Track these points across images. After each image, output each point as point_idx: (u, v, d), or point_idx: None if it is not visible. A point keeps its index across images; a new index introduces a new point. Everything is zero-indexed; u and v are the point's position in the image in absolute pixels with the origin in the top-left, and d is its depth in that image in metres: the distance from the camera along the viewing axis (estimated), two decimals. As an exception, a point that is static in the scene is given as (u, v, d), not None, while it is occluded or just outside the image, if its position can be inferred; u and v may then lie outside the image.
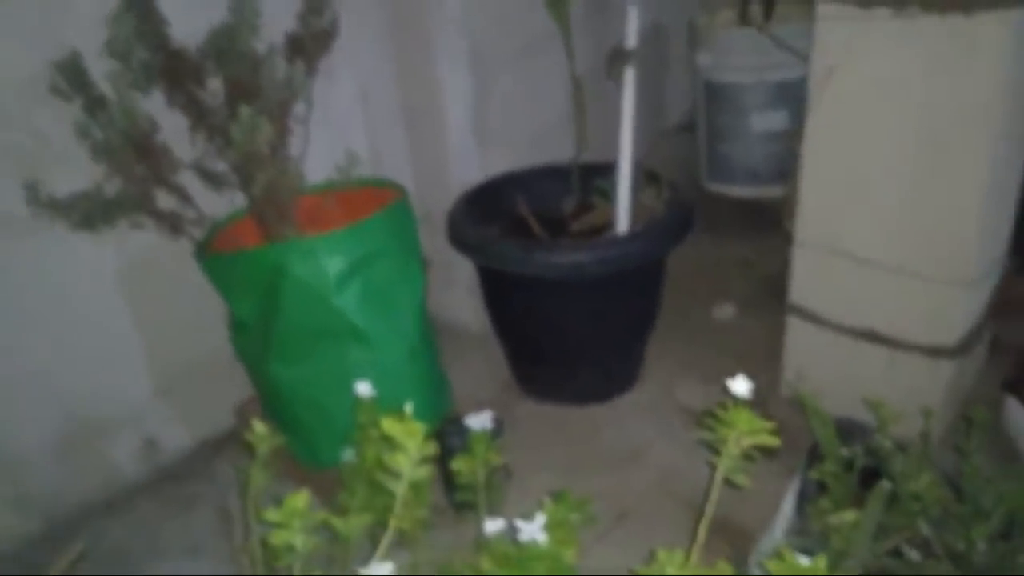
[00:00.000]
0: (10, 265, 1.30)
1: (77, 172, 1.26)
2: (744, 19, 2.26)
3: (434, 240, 1.69)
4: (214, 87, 1.29)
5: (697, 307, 1.94)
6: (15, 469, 1.39)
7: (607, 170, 1.62)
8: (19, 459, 1.39)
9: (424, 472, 0.72)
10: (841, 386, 1.33)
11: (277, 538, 0.71)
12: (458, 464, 0.91)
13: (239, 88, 1.25)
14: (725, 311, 1.93)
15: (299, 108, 1.34)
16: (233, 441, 1.60)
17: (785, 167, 2.16)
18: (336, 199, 1.49)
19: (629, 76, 1.53)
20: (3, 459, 1.37)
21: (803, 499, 1.07)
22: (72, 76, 1.22)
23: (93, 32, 1.23)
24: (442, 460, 1.18)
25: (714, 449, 0.79)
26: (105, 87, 1.23)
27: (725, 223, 2.29)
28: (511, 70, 1.80)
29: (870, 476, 0.98)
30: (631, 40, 1.52)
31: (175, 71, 1.24)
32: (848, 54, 1.28)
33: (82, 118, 1.22)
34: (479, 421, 0.96)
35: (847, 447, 1.02)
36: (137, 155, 1.21)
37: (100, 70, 1.23)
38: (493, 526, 0.81)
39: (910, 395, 1.23)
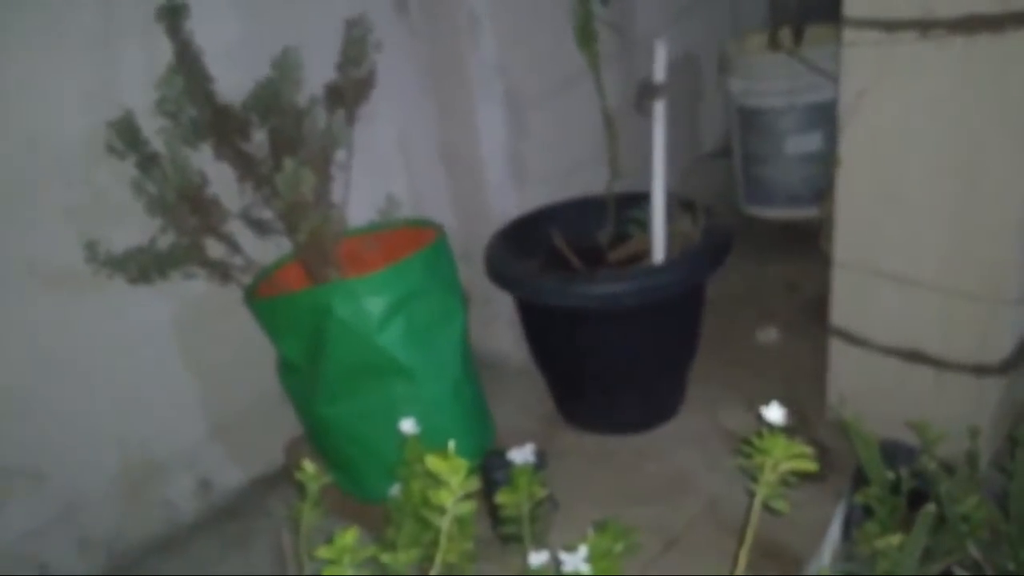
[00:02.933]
0: (72, 318, 1.37)
1: (133, 226, 1.32)
2: (774, 44, 2.28)
3: (474, 275, 1.72)
4: (259, 139, 1.35)
5: (740, 331, 1.93)
6: (79, 511, 1.44)
7: (642, 200, 1.64)
8: (83, 501, 1.44)
9: (467, 507, 0.74)
10: (886, 407, 1.32)
11: (328, 573, 0.74)
12: (502, 498, 0.92)
13: (283, 140, 1.30)
14: (768, 334, 1.92)
15: (341, 155, 1.39)
16: (284, 478, 1.64)
17: (822, 188, 2.16)
18: (377, 240, 1.54)
19: (659, 109, 1.55)
20: (68, 502, 1.42)
21: (850, 523, 1.06)
22: (126, 135, 1.28)
23: (144, 92, 1.30)
24: (487, 493, 1.21)
25: (752, 476, 0.80)
26: (157, 143, 1.30)
27: (765, 246, 2.29)
28: (545, 107, 1.84)
29: (917, 499, 0.97)
30: (659, 74, 1.55)
31: (222, 126, 1.30)
32: (877, 77, 1.29)
33: (136, 174, 1.28)
34: (522, 455, 0.97)
35: (893, 470, 1.01)
36: (189, 208, 1.27)
37: (152, 127, 1.30)
38: (538, 559, 0.82)
39: (957, 415, 1.22)
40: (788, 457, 0.75)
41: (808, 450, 0.76)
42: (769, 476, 0.75)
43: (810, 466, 0.75)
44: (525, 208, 1.80)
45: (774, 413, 0.78)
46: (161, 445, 1.53)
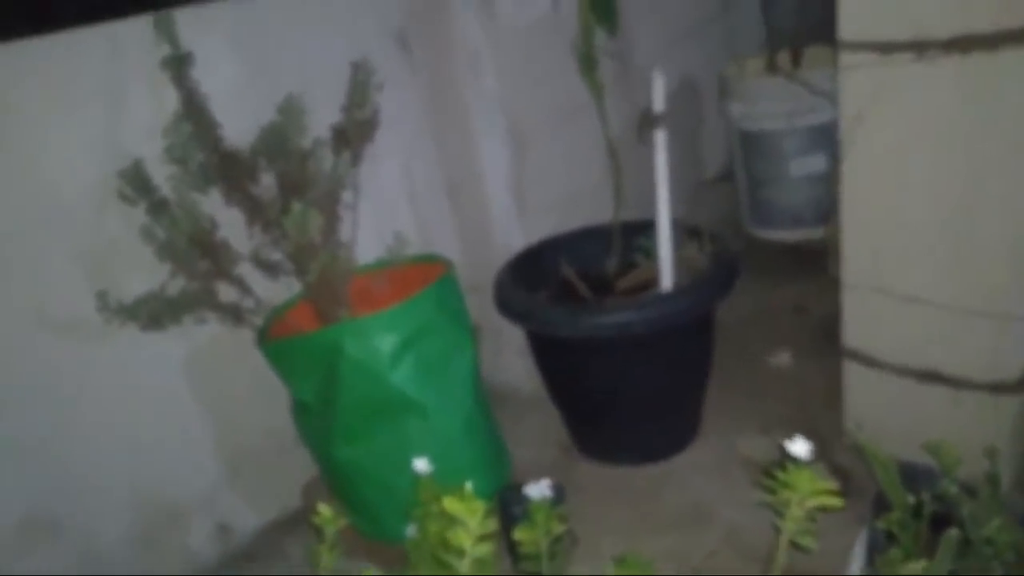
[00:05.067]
0: (84, 364, 1.37)
1: (143, 272, 1.33)
2: (772, 67, 2.30)
3: (484, 308, 1.72)
4: (267, 182, 1.36)
5: (752, 356, 1.92)
6: (97, 559, 1.43)
7: (648, 228, 1.65)
8: (101, 549, 1.43)
9: (486, 548, 0.74)
10: (903, 429, 1.31)
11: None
12: (520, 534, 0.92)
13: (290, 182, 1.32)
14: (781, 358, 1.91)
15: (347, 195, 1.40)
16: (302, 520, 1.63)
17: (827, 209, 2.16)
18: (386, 277, 1.54)
19: (660, 138, 1.56)
20: (86, 550, 1.42)
21: (872, 550, 1.05)
22: (136, 182, 1.30)
23: (152, 139, 1.32)
24: (505, 528, 1.20)
25: (778, 512, 0.78)
26: (166, 190, 1.31)
27: (773, 268, 2.28)
28: (547, 138, 1.86)
29: (940, 522, 0.96)
30: (658, 104, 1.56)
31: (230, 171, 1.32)
32: (874, 99, 1.29)
33: (147, 221, 1.30)
34: (538, 489, 0.97)
35: (913, 493, 1.00)
36: (200, 252, 1.28)
37: (161, 174, 1.32)
38: (558, 595, 0.81)
39: (974, 435, 1.20)
40: (814, 493, 0.74)
41: (834, 485, 0.75)
42: (795, 511, 0.74)
43: (838, 503, 0.74)
44: (530, 239, 1.81)
45: (799, 447, 0.77)
46: (177, 490, 1.53)
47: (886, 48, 1.24)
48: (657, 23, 2.18)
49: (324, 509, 0.88)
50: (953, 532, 0.88)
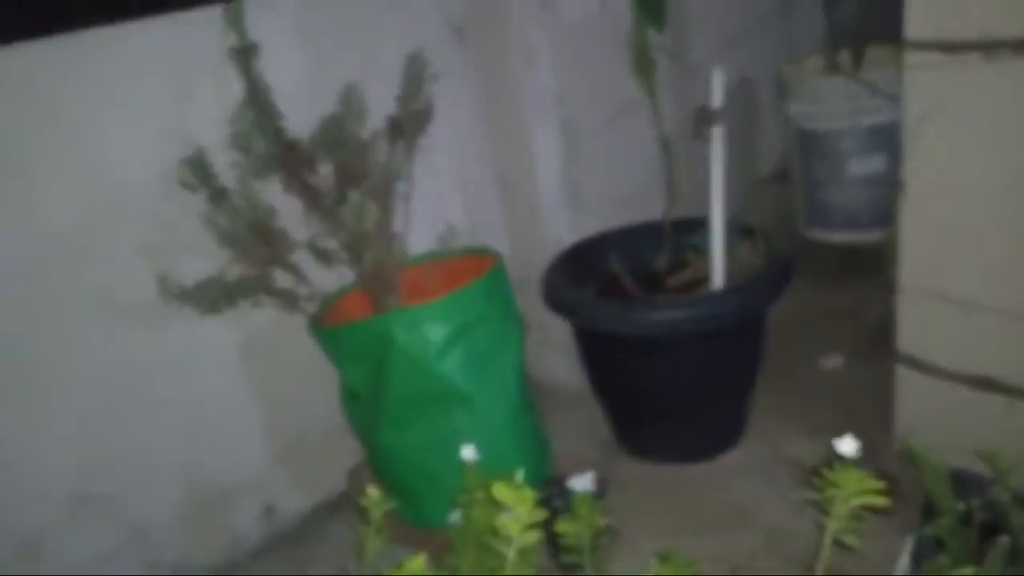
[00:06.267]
0: (142, 348, 1.41)
1: (203, 259, 1.36)
2: (833, 66, 2.26)
3: (531, 302, 1.73)
4: (325, 172, 1.39)
5: (803, 358, 1.90)
6: (146, 536, 1.47)
7: (699, 226, 1.64)
8: (150, 526, 1.47)
9: (533, 537, 0.75)
10: (956, 436, 1.28)
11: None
12: (563, 526, 0.92)
13: (348, 172, 1.34)
14: (832, 361, 1.88)
15: (401, 186, 1.42)
16: (346, 503, 1.66)
17: (885, 211, 2.12)
18: (437, 269, 1.56)
19: (717, 135, 1.55)
20: (136, 527, 1.46)
21: (920, 556, 1.03)
22: (198, 170, 1.33)
23: (215, 128, 1.35)
24: (546, 521, 1.21)
25: (823, 510, 0.78)
26: (227, 178, 1.35)
27: (827, 270, 2.25)
28: (600, 134, 1.86)
29: (989, 531, 0.94)
30: (717, 101, 1.55)
31: (290, 160, 1.35)
32: (940, 100, 1.27)
33: (208, 208, 1.33)
34: (582, 483, 0.98)
35: (963, 501, 0.98)
36: (258, 239, 1.31)
37: (223, 162, 1.35)
38: (600, 588, 0.82)
39: (1032, 445, 1.18)
40: (860, 491, 0.73)
41: (881, 485, 0.74)
42: (840, 510, 0.74)
43: (883, 501, 0.74)
44: (580, 235, 1.81)
45: (847, 446, 0.77)
46: (226, 471, 1.57)
47: (953, 48, 1.21)
48: (716, 21, 2.16)
49: (372, 491, 0.90)
50: (1004, 540, 0.86)
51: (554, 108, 1.76)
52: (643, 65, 1.70)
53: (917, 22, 1.26)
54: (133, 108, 1.35)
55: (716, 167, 1.57)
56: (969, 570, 0.86)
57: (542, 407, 1.62)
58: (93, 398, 1.38)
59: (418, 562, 0.73)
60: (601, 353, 1.63)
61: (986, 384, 1.36)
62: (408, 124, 1.43)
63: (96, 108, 1.31)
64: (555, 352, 1.91)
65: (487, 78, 1.81)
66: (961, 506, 0.99)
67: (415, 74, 1.43)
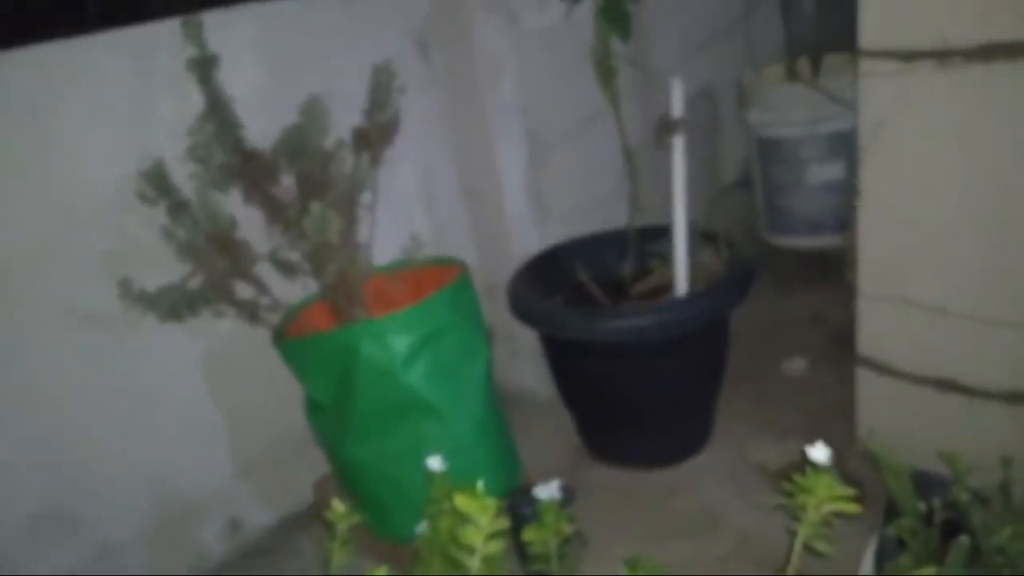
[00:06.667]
0: (104, 361, 1.39)
1: (163, 271, 1.35)
2: (792, 74, 2.29)
3: (498, 311, 1.73)
4: (287, 183, 1.38)
5: (766, 363, 1.92)
6: (111, 554, 1.45)
7: (664, 233, 1.65)
8: (114, 544, 1.45)
9: (497, 546, 0.75)
10: (917, 437, 1.30)
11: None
12: (529, 535, 0.92)
13: (310, 183, 1.33)
14: (796, 365, 1.91)
15: (366, 197, 1.41)
16: (313, 516, 1.64)
17: (845, 216, 2.15)
18: (402, 279, 1.55)
19: (678, 144, 1.57)
20: (100, 544, 1.43)
21: (882, 556, 1.04)
22: (157, 183, 1.31)
23: (175, 140, 1.33)
24: (514, 530, 1.20)
25: (793, 515, 0.79)
26: (187, 190, 1.33)
27: (789, 276, 2.28)
28: (565, 144, 1.87)
29: (951, 530, 0.95)
30: (677, 110, 1.56)
31: (251, 171, 1.33)
32: (895, 107, 1.29)
33: (167, 221, 1.31)
34: (547, 491, 0.97)
35: (925, 501, 1.00)
36: (219, 251, 1.30)
37: (182, 174, 1.33)
38: (567, 596, 0.82)
39: (990, 444, 1.19)
40: (832, 498, 0.74)
41: (852, 491, 0.75)
42: (812, 516, 0.74)
43: (854, 508, 0.75)
44: (546, 243, 1.82)
45: (819, 452, 0.77)
46: (191, 485, 1.55)
47: (908, 56, 1.24)
48: (677, 30, 2.19)
49: (337, 505, 0.89)
50: (964, 539, 0.88)
51: (518, 118, 1.77)
52: (606, 74, 1.71)
53: (871, 31, 1.28)
54: (93, 120, 1.33)
55: (678, 175, 1.58)
56: (931, 569, 0.88)
57: (511, 415, 1.61)
58: (55, 413, 1.35)
59: (381, 573, 0.73)
60: (568, 361, 1.64)
61: (946, 386, 1.39)
62: (374, 135, 1.43)
63: (56, 120, 1.29)
64: (523, 360, 1.91)
65: (451, 90, 1.82)
66: (922, 506, 1.00)
67: (382, 85, 1.43)
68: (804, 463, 0.79)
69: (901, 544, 1.00)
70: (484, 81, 1.75)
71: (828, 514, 0.77)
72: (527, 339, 1.80)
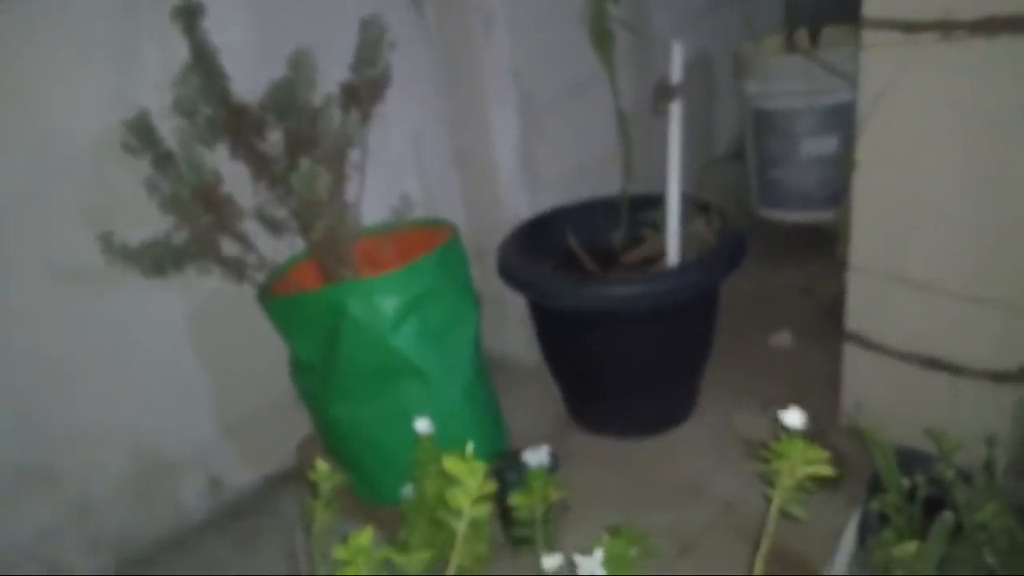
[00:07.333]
0: (85, 317, 1.37)
1: (147, 225, 1.32)
2: (790, 46, 2.27)
3: (487, 276, 1.72)
4: (274, 138, 1.35)
5: (753, 335, 1.92)
6: (89, 511, 1.44)
7: (656, 202, 1.64)
8: (93, 502, 1.44)
9: (483, 510, 0.74)
10: (902, 414, 1.31)
11: (343, 574, 0.73)
12: (516, 500, 0.92)
13: (298, 139, 1.30)
14: (782, 339, 1.91)
15: (355, 155, 1.39)
16: (296, 477, 1.64)
17: (837, 191, 2.14)
18: (392, 240, 1.53)
19: (675, 110, 1.55)
20: (79, 502, 1.43)
21: (865, 531, 1.05)
22: (141, 133, 1.28)
23: (160, 92, 1.30)
24: (499, 495, 1.20)
25: (769, 481, 0.79)
26: (172, 142, 1.30)
27: (779, 249, 2.27)
28: (558, 108, 1.84)
29: (934, 507, 0.96)
30: (676, 75, 1.54)
31: (238, 125, 1.30)
32: (896, 79, 1.27)
33: (151, 173, 1.28)
34: (536, 456, 0.97)
35: (909, 477, 1.00)
36: (203, 206, 1.27)
37: (167, 127, 1.30)
38: (551, 562, 0.82)
39: (974, 422, 1.20)
40: (806, 462, 0.74)
41: (826, 455, 0.75)
42: (787, 481, 0.74)
43: (828, 471, 0.75)
44: (537, 209, 1.80)
45: (792, 417, 0.77)
46: (172, 443, 1.54)
47: (911, 28, 1.22)
48: (675, -4, 2.15)
49: (321, 465, 0.88)
50: (947, 515, 0.88)
51: (512, 80, 1.74)
52: (601, 38, 1.68)
53: (875, 1, 1.26)
54: (75, 69, 1.30)
55: (673, 143, 1.56)
56: (913, 545, 0.88)
57: (497, 382, 1.61)
58: (34, 367, 1.34)
59: (366, 535, 0.72)
60: (556, 328, 1.63)
61: (933, 363, 1.39)
62: (364, 91, 1.40)
63: (38, 71, 1.26)
64: (512, 326, 1.90)
65: (444, 48, 1.78)
66: (906, 482, 1.00)
67: (372, 39, 1.39)
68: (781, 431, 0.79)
69: (884, 519, 1.00)
70: (478, 40, 1.71)
71: (804, 479, 0.77)
72: (516, 305, 1.78)
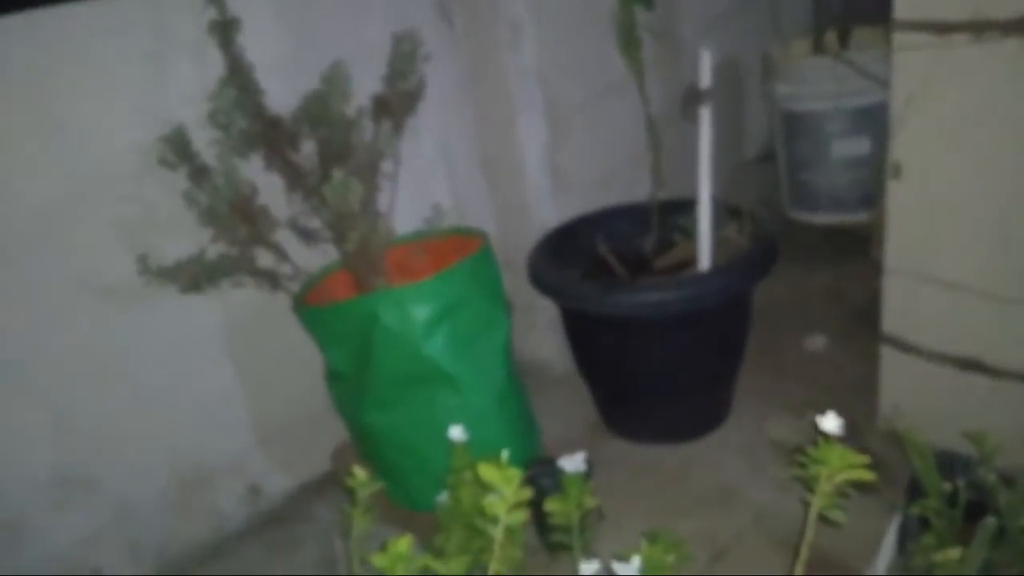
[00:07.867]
0: (124, 329, 1.39)
1: (184, 237, 1.35)
2: (819, 48, 2.25)
3: (517, 283, 1.72)
4: (308, 150, 1.37)
5: (787, 339, 1.91)
6: (130, 519, 1.46)
7: (686, 207, 1.63)
8: (133, 509, 1.46)
9: (519, 516, 0.75)
10: (940, 417, 1.29)
11: (382, 581, 0.74)
12: (552, 506, 0.92)
13: (331, 150, 1.32)
14: (816, 342, 1.89)
15: (387, 165, 1.40)
16: (331, 484, 1.66)
17: (869, 193, 2.12)
18: (423, 249, 1.55)
19: (705, 115, 1.54)
20: (119, 509, 1.45)
21: (905, 536, 1.04)
22: (178, 148, 1.31)
23: (195, 105, 1.32)
24: (534, 501, 1.21)
25: (808, 487, 0.78)
26: (207, 156, 1.32)
27: (811, 252, 2.26)
28: (586, 114, 1.84)
29: (975, 511, 0.94)
30: (705, 80, 1.54)
31: (272, 137, 1.32)
32: (929, 81, 1.26)
33: (188, 186, 1.31)
34: (572, 463, 0.97)
35: (949, 481, 0.99)
36: (240, 218, 1.29)
37: (202, 140, 1.32)
38: (589, 568, 0.82)
39: (1014, 424, 1.19)
40: (845, 467, 0.73)
41: (865, 459, 0.74)
42: (825, 486, 0.74)
43: (867, 476, 0.74)
44: (566, 216, 1.80)
45: (830, 422, 0.77)
46: (211, 452, 1.56)
47: (942, 29, 1.21)
48: (702, 0, 2.14)
49: (359, 472, 0.89)
50: (990, 521, 0.87)
51: (539, 87, 1.75)
52: (630, 44, 1.68)
53: (906, 2, 1.25)
54: (111, 85, 1.32)
55: (704, 148, 1.56)
56: (956, 552, 0.87)
57: (529, 388, 1.61)
58: (75, 379, 1.36)
59: (405, 543, 0.73)
60: (587, 334, 1.63)
61: (971, 365, 1.37)
62: (396, 103, 1.41)
63: (73, 85, 1.28)
64: (542, 333, 1.91)
65: (472, 57, 1.79)
66: (947, 486, 0.99)
67: (406, 52, 1.41)
68: (819, 436, 0.79)
69: (924, 524, 0.99)
70: (504, 48, 1.72)
71: (842, 484, 0.77)
72: (546, 311, 1.79)
